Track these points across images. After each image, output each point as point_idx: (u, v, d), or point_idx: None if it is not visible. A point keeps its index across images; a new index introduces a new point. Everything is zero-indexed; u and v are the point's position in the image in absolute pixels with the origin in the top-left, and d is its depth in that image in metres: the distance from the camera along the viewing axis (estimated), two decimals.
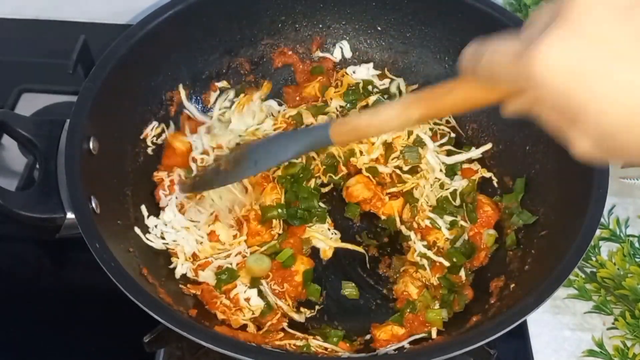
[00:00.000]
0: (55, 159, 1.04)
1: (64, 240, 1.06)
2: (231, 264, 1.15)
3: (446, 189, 1.24)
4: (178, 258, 1.15)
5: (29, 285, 1.24)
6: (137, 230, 1.14)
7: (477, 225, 1.21)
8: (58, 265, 1.29)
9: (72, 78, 1.34)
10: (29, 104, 1.44)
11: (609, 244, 1.27)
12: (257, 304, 1.11)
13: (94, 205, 1.01)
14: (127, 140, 1.21)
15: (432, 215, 1.21)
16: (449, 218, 1.21)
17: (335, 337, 1.08)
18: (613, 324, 1.18)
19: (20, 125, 1.07)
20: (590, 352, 1.16)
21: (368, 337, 1.10)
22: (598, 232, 1.27)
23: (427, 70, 1.36)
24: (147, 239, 1.15)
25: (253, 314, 1.10)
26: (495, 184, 1.26)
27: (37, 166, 1.08)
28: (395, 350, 1.06)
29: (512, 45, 0.69)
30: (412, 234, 1.21)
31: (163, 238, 1.16)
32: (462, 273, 1.16)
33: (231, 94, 1.34)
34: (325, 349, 1.06)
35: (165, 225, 1.17)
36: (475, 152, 1.29)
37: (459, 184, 1.25)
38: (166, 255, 1.16)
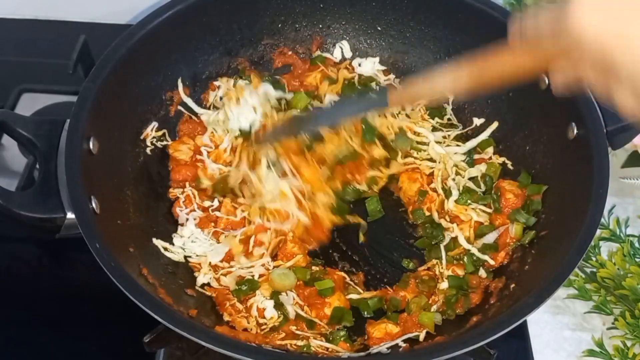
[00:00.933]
0: (55, 159, 1.04)
1: (64, 240, 1.06)
2: (253, 275, 1.13)
3: (467, 177, 1.24)
4: (199, 269, 1.15)
5: (29, 285, 1.24)
6: (155, 241, 1.15)
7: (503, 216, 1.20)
8: (58, 265, 1.29)
9: (72, 78, 1.34)
10: (29, 104, 1.44)
11: (609, 244, 1.27)
12: (271, 315, 1.09)
13: (94, 205, 1.01)
14: (127, 140, 1.20)
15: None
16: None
17: (337, 337, 1.08)
18: (613, 324, 1.18)
19: (20, 125, 1.07)
20: (590, 352, 1.16)
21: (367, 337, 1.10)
22: (598, 232, 1.26)
23: (427, 70, 1.35)
24: (169, 251, 1.15)
25: (262, 321, 1.09)
26: (510, 167, 1.26)
27: (37, 166, 1.08)
28: (388, 348, 1.06)
29: (553, 9, 0.75)
30: (454, 226, 1.19)
31: (184, 250, 1.17)
32: (483, 272, 1.15)
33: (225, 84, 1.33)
34: (326, 349, 1.06)
35: (189, 238, 1.18)
36: (485, 134, 1.29)
37: (478, 168, 1.25)
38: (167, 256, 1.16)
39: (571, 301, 1.22)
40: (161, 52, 1.24)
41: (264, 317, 1.09)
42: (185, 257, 1.16)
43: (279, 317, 1.09)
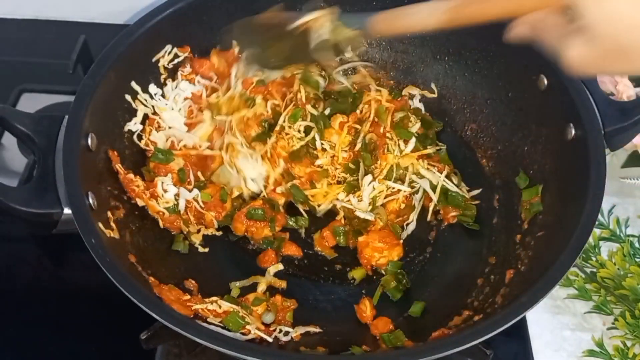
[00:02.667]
0: (54, 155, 1.04)
1: (63, 239, 1.06)
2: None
3: None
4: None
5: (29, 285, 1.24)
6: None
7: None
8: (58, 265, 1.28)
9: (72, 78, 1.35)
10: (29, 104, 1.44)
11: (609, 244, 1.27)
12: (168, 199, 1.16)
13: (91, 201, 1.01)
14: (126, 137, 1.20)
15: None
16: None
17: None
18: (613, 324, 1.18)
19: (19, 121, 1.07)
20: (590, 352, 1.16)
21: None
22: (598, 232, 1.27)
23: (427, 70, 1.37)
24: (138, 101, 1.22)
25: (166, 205, 1.16)
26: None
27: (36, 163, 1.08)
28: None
29: None
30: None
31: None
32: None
33: None
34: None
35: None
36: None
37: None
38: (164, 252, 1.16)
39: (571, 301, 1.21)
40: (160, 50, 1.24)
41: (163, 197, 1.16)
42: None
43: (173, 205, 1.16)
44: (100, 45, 1.17)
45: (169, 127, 1.24)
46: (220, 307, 1.06)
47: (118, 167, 1.14)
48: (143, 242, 1.14)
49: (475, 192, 1.26)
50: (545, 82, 1.18)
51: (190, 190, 1.20)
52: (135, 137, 1.22)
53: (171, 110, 1.25)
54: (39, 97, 1.46)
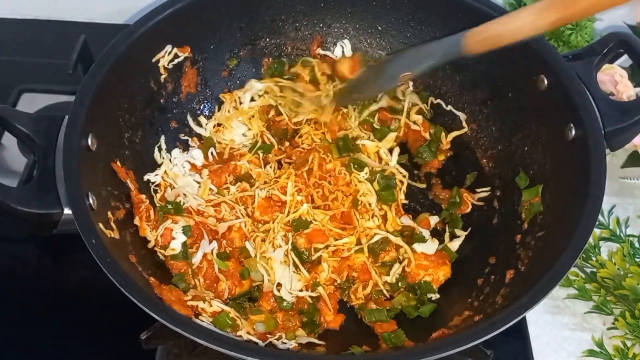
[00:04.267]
0: (54, 155, 1.04)
1: (63, 240, 1.05)
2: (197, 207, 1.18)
3: None
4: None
5: (29, 285, 1.24)
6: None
7: None
8: (57, 265, 1.29)
9: (72, 78, 1.34)
10: (29, 104, 1.45)
11: (609, 244, 1.27)
12: (175, 246, 1.13)
13: (91, 201, 1.01)
14: (126, 137, 1.20)
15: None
16: None
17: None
18: (613, 324, 1.18)
19: (18, 121, 1.07)
20: (590, 352, 1.16)
21: None
22: (598, 232, 1.27)
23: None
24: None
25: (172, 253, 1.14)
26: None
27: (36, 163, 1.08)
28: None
29: None
30: None
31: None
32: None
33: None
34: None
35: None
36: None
37: None
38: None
39: (571, 301, 1.22)
40: (160, 50, 1.24)
41: (167, 242, 1.13)
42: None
43: (180, 251, 1.13)
44: (100, 45, 1.17)
45: (184, 195, 1.20)
46: (211, 305, 1.06)
47: (130, 185, 1.15)
48: (144, 243, 1.14)
49: (484, 194, 1.27)
50: (545, 82, 1.18)
51: (210, 242, 1.16)
52: (152, 189, 1.22)
53: (183, 175, 1.24)
54: (39, 97, 1.47)
